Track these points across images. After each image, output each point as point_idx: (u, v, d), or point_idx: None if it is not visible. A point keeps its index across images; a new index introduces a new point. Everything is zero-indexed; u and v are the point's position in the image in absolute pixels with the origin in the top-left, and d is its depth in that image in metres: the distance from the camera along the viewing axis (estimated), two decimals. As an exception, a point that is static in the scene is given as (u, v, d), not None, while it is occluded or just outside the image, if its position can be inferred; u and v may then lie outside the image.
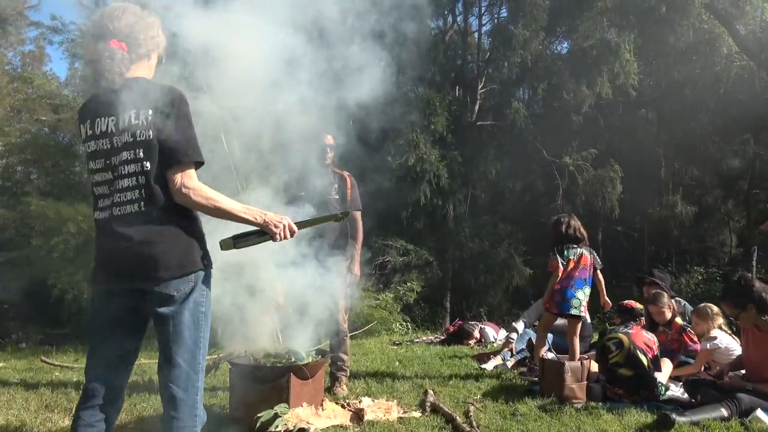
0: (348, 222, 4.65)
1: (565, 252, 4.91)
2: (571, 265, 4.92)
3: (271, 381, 3.59)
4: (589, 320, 6.45)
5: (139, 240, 2.25)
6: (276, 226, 2.36)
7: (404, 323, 9.87)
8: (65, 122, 10.48)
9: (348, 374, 4.77)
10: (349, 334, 4.77)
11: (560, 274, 4.86)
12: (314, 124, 3.94)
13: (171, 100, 2.23)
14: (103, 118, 2.23)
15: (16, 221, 7.89)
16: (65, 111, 10.05)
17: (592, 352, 5.22)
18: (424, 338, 8.54)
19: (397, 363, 6.29)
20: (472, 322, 8.35)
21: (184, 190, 2.23)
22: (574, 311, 4.84)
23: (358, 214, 4.69)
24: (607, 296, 5.26)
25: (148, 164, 2.22)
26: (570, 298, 4.83)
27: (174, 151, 2.21)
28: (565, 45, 14.84)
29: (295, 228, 2.42)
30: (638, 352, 4.29)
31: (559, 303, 4.88)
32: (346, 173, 4.75)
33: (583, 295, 4.88)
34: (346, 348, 4.64)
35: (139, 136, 2.21)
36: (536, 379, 4.92)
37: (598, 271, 5.14)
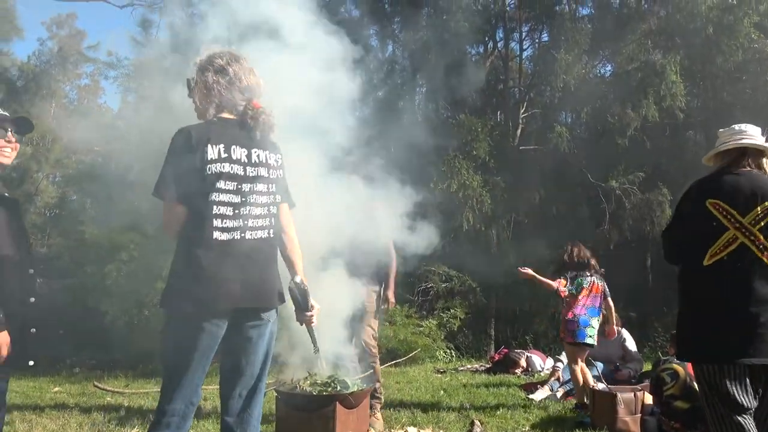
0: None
1: (578, 279, 4.91)
2: (584, 293, 4.88)
3: (316, 409, 3.60)
4: (634, 348, 6.26)
5: (264, 265, 2.49)
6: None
7: (448, 351, 9.74)
8: (118, 152, 10.88)
9: (382, 402, 4.75)
10: (378, 361, 4.74)
11: (563, 296, 4.88)
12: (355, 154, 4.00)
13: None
14: (237, 147, 2.47)
15: (71, 249, 8.19)
16: (120, 142, 10.44)
17: (645, 383, 5.05)
18: (469, 366, 8.42)
19: (442, 392, 6.21)
20: (518, 351, 8.20)
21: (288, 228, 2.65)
22: (589, 340, 4.82)
23: (391, 243, 4.72)
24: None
25: (278, 198, 2.58)
26: (585, 327, 4.81)
27: (286, 190, 2.66)
28: (609, 68, 14.67)
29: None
30: (695, 383, 4.12)
31: (574, 332, 4.86)
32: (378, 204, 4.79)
33: (596, 323, 4.87)
34: (378, 375, 4.66)
35: (272, 174, 2.57)
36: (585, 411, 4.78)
37: (609, 299, 5.10)
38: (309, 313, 2.67)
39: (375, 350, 4.68)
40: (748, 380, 2.49)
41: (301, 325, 2.75)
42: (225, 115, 2.54)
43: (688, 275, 2.69)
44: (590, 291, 4.93)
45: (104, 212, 8.82)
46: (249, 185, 2.46)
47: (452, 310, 10.31)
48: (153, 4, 13.32)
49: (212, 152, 2.39)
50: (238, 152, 2.46)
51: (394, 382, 6.72)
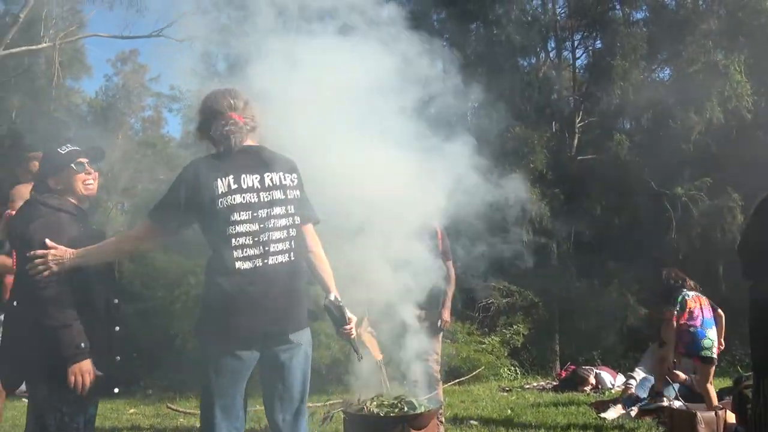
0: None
1: (679, 297, 4.71)
2: (692, 304, 4.66)
3: (386, 431, 3.58)
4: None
5: (288, 288, 2.49)
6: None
7: (512, 368, 9.55)
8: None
9: (443, 423, 4.74)
10: (441, 381, 4.77)
11: (675, 322, 4.66)
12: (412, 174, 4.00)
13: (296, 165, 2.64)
14: (247, 175, 2.47)
15: (142, 275, 8.53)
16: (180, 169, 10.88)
17: (726, 400, 4.80)
18: (535, 384, 8.22)
19: (509, 411, 6.09)
20: (587, 367, 7.95)
21: (313, 247, 2.67)
22: (706, 353, 4.55)
23: (450, 264, 4.78)
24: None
25: (297, 219, 2.55)
26: (701, 338, 4.55)
27: (308, 208, 2.65)
28: (667, 71, 14.22)
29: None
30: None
31: (688, 344, 4.61)
32: (435, 224, 4.82)
33: (714, 334, 4.59)
34: (440, 396, 4.64)
35: (289, 195, 2.54)
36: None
37: (719, 310, 4.85)
38: (347, 327, 2.68)
39: (438, 373, 4.72)
40: None
41: (342, 339, 2.78)
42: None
43: (758, 287, 2.55)
44: (697, 304, 4.75)
45: (173, 239, 9.17)
46: (265, 210, 2.46)
47: (515, 326, 10.12)
48: (210, 37, 13.84)
49: (222, 186, 2.41)
50: (250, 180, 2.47)
51: (459, 401, 6.63)
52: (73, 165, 2.61)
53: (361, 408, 3.83)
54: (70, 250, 2.46)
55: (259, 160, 2.53)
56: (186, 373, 8.12)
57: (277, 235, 2.47)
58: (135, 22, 24.88)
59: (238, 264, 2.40)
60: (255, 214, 2.44)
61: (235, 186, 2.43)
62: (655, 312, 5.08)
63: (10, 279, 3.46)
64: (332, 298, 2.62)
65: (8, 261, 3.49)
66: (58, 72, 17.75)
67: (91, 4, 18.05)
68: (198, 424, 5.45)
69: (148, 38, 17.33)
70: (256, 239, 2.43)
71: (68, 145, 2.67)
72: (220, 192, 2.41)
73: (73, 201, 2.63)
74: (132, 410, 6.61)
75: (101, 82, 24.87)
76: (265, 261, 2.43)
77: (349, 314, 2.68)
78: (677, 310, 4.69)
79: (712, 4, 12.94)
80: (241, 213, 2.42)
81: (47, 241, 2.44)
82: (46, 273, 2.40)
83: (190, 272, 7.39)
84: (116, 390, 2.63)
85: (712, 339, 4.61)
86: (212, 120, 2.54)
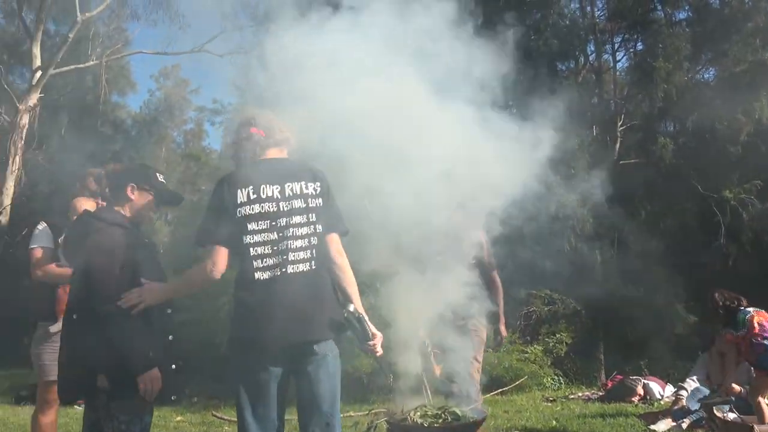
0: (486, 283, 4.68)
1: (740, 317, 4.57)
2: (758, 319, 4.51)
3: (431, 442, 3.55)
4: None
5: (310, 298, 2.45)
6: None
7: (556, 378, 9.37)
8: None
9: None
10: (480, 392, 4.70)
11: (739, 343, 4.53)
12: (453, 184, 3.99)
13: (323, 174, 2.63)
14: (267, 185, 2.49)
15: (187, 285, 8.72)
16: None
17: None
18: (580, 394, 8.05)
19: (554, 422, 5.98)
20: (634, 377, 7.74)
21: (336, 258, 2.58)
22: None
23: (495, 274, 4.70)
24: None
25: (319, 228, 2.52)
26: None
27: (335, 217, 2.60)
28: (713, 72, 13.82)
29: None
30: None
31: (761, 356, 4.46)
32: (481, 233, 4.77)
33: None
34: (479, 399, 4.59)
35: (311, 203, 2.52)
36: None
37: None
38: (371, 342, 2.58)
39: (478, 384, 4.69)
40: None
41: (366, 353, 2.69)
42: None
43: None
44: (762, 317, 4.60)
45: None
46: (285, 219, 2.46)
47: (558, 335, 9.93)
48: (250, 51, 14.15)
49: (242, 196, 2.46)
50: (269, 189, 2.48)
51: (503, 411, 6.54)
52: (158, 194, 2.78)
53: (404, 418, 3.82)
54: (160, 286, 2.59)
55: (282, 171, 2.55)
56: (230, 382, 8.26)
57: (297, 243, 2.46)
58: (177, 38, 25.49)
59: (257, 275, 2.42)
60: (273, 224, 2.45)
61: (254, 196, 2.47)
62: (716, 334, 4.98)
63: (61, 291, 3.56)
64: (351, 309, 2.54)
65: (68, 272, 3.63)
66: (104, 89, 18.38)
67: (135, 22, 18.67)
68: (243, 432, 5.54)
69: (190, 54, 17.88)
70: (274, 248, 2.44)
71: (163, 177, 2.86)
72: (239, 202, 2.45)
73: (126, 215, 2.73)
74: (179, 418, 6.74)
75: (145, 96, 25.64)
76: (284, 270, 2.43)
77: (373, 329, 2.59)
78: (743, 330, 4.55)
79: (759, 0, 12.53)
80: (259, 222, 2.45)
81: (142, 280, 2.54)
82: (141, 307, 2.49)
83: (233, 281, 7.52)
84: (173, 398, 2.70)
85: None
86: (238, 137, 2.63)
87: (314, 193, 2.54)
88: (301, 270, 2.44)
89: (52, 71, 16.02)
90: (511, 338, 9.34)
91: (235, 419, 6.38)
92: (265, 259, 2.42)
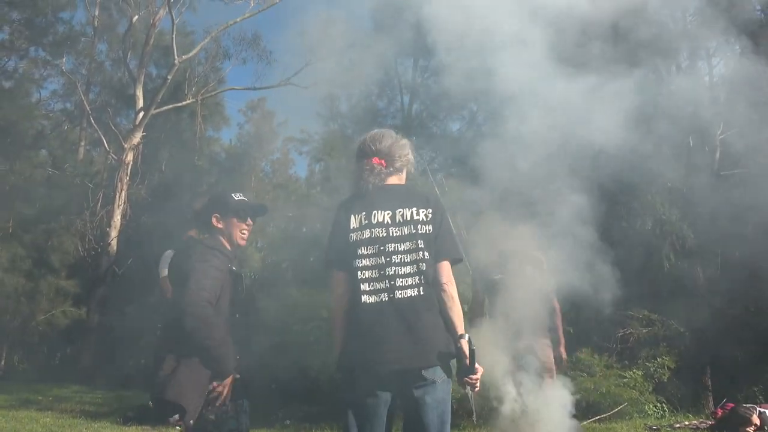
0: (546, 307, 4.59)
1: None
2: None
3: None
4: None
5: (418, 324, 2.45)
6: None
7: (659, 405, 8.80)
8: (309, 217, 11.89)
9: None
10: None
11: None
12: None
13: (437, 201, 2.66)
14: (379, 211, 2.57)
15: (278, 309, 8.98)
16: (311, 208, 11.43)
17: None
18: (687, 423, 7.51)
19: (659, 452, 5.60)
20: (748, 405, 7.14)
21: (445, 285, 2.53)
22: None
23: (553, 294, 4.69)
24: None
25: (426, 254, 2.52)
26: None
27: (447, 244, 2.58)
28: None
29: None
30: None
31: None
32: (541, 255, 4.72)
33: None
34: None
35: (420, 230, 2.54)
36: None
37: None
38: (474, 377, 2.52)
39: (550, 370, 4.56)
40: None
41: (463, 388, 2.59)
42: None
43: None
44: None
45: (304, 273, 9.60)
46: (393, 245, 2.51)
47: (659, 359, 9.34)
48: (333, 81, 14.60)
49: (354, 221, 2.55)
50: (381, 215, 2.55)
51: (602, 440, 6.21)
52: (240, 212, 2.87)
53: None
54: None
55: (395, 197, 2.60)
56: (321, 405, 8.36)
57: (405, 270, 2.49)
58: (264, 73, 26.79)
59: (364, 298, 2.47)
60: (382, 248, 2.51)
61: (366, 222, 2.55)
62: None
63: None
64: (467, 339, 2.50)
65: None
66: (200, 125, 19.55)
67: (227, 61, 19.79)
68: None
69: (277, 87, 18.72)
70: (381, 272, 2.49)
71: (240, 195, 2.94)
72: (352, 227, 2.55)
73: (225, 243, 2.85)
74: (272, 440, 6.89)
75: (235, 130, 26.96)
76: (391, 296, 2.46)
77: (478, 363, 2.54)
78: None
79: None
80: (369, 247, 2.51)
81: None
82: None
83: (324, 306, 7.66)
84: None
85: None
86: (359, 164, 2.70)
87: (425, 219, 2.57)
88: (409, 295, 2.47)
89: (153, 111, 17.27)
90: (607, 362, 8.89)
91: (325, 441, 6.41)
92: (372, 283, 2.48)
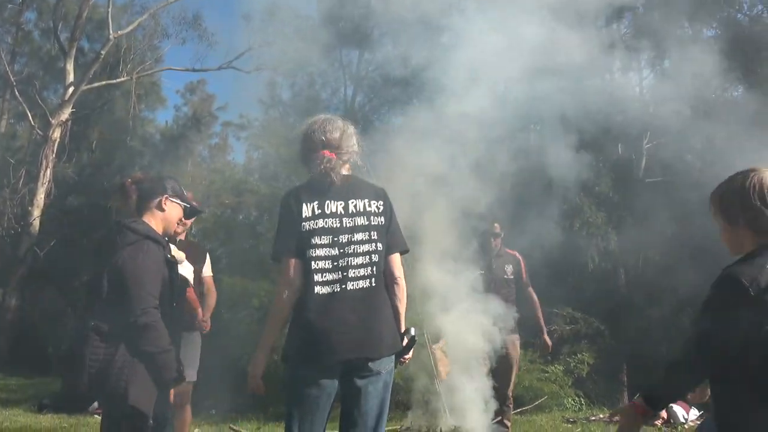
0: (524, 299, 4.96)
1: None
2: None
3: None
4: None
5: (368, 315, 2.46)
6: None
7: (577, 398, 9.19)
8: (245, 204, 11.67)
9: None
10: (512, 403, 5.10)
11: None
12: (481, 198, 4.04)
13: (385, 194, 2.65)
14: (331, 201, 2.52)
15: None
16: (247, 195, 11.21)
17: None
18: (602, 416, 7.86)
19: (575, 443, 5.86)
20: (658, 400, 7.54)
21: (399, 278, 2.59)
22: None
23: (531, 290, 5.09)
24: None
25: (380, 245, 2.53)
26: None
27: (398, 237, 2.61)
28: (740, 90, 13.60)
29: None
30: None
31: None
32: (517, 253, 5.03)
33: None
34: (509, 416, 4.96)
35: (373, 221, 2.53)
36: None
37: None
38: (407, 356, 2.64)
39: (511, 402, 4.86)
40: None
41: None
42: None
43: None
44: None
45: (237, 261, 9.43)
46: (347, 236, 2.49)
47: (579, 355, 9.75)
48: (277, 68, 14.37)
49: (306, 210, 2.49)
50: (334, 205, 2.52)
51: (522, 431, 6.43)
52: (188, 205, 2.83)
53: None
54: (261, 344, 2.55)
55: (347, 188, 2.57)
56: (249, 396, 8.26)
57: (357, 260, 2.48)
58: (205, 55, 26.01)
59: (317, 289, 2.43)
60: (336, 239, 2.48)
61: (319, 211, 2.50)
62: None
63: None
64: (413, 332, 2.61)
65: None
66: (134, 104, 18.80)
67: (166, 39, 19.10)
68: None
69: (218, 70, 18.23)
70: (335, 264, 2.46)
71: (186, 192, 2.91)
72: (304, 216, 2.49)
73: (158, 229, 2.74)
74: (196, 430, 6.75)
75: (172, 112, 26.12)
76: (344, 287, 2.44)
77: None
78: None
79: (789, 18, 12.36)
80: (322, 237, 2.47)
81: None
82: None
83: (254, 294, 7.57)
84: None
85: None
86: (311, 153, 2.62)
87: (377, 211, 2.57)
88: (361, 287, 2.46)
89: (84, 87, 16.46)
90: (531, 357, 9.21)
91: (252, 432, 6.33)
92: (325, 274, 2.44)
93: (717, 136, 11.86)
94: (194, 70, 19.14)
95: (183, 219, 2.89)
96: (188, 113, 25.36)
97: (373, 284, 2.49)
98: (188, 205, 2.88)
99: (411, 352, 2.65)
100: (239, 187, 11.59)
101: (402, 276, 2.60)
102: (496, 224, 4.93)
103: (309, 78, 15.99)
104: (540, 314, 5.07)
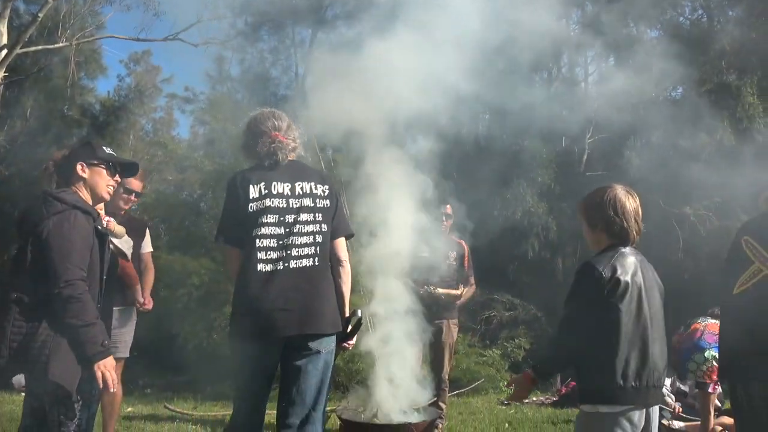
0: (464, 285, 4.99)
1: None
2: (702, 326, 4.68)
3: (380, 439, 3.57)
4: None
5: (310, 294, 2.54)
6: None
7: (513, 382, 9.49)
8: (189, 181, 11.39)
9: (445, 423, 5.09)
10: (448, 386, 5.15)
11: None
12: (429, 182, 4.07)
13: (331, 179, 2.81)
14: (279, 182, 2.61)
15: (146, 274, 8.57)
16: (191, 171, 10.94)
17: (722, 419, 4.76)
18: (535, 399, 8.14)
19: (507, 425, 6.07)
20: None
21: (344, 261, 2.74)
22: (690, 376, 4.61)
23: (473, 280, 5.15)
24: None
25: (324, 227, 2.62)
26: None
27: (343, 221, 2.75)
28: (680, 91, 14.19)
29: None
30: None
31: (683, 356, 4.65)
32: (462, 241, 5.07)
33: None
34: (445, 398, 5.01)
35: (318, 203, 2.63)
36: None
37: None
38: (350, 342, 2.80)
39: (446, 385, 4.91)
40: None
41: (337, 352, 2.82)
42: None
43: (723, 303, 2.95)
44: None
45: (178, 239, 9.21)
46: (293, 216, 2.57)
47: (516, 340, 10.06)
48: (225, 42, 14.01)
49: (254, 191, 2.57)
50: (280, 186, 2.61)
51: (457, 413, 6.59)
52: (109, 163, 2.65)
53: (356, 414, 3.83)
54: None
55: (293, 171, 2.67)
56: (186, 374, 8.13)
57: (302, 240, 2.55)
58: (151, 24, 25.08)
59: (260, 266, 2.50)
60: (282, 219, 2.56)
61: (266, 191, 2.58)
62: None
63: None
64: (359, 314, 2.74)
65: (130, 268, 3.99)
66: (73, 72, 17.94)
67: (108, 5, 18.25)
68: (194, 426, 5.47)
69: (164, 41, 17.57)
70: (280, 242, 2.52)
71: (110, 149, 2.73)
72: (251, 197, 2.56)
73: (87, 198, 2.61)
74: (129, 409, 6.60)
75: (114, 82, 25.08)
76: (287, 264, 2.50)
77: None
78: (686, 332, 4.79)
79: (726, 24, 12.93)
80: (269, 216, 2.55)
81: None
82: None
83: (195, 272, 7.42)
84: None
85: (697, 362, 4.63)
86: (258, 138, 2.70)
87: (322, 194, 2.66)
88: (303, 265, 2.53)
89: (18, 50, 15.58)
90: (470, 341, 9.43)
91: (187, 413, 6.32)
92: (269, 252, 2.51)
93: (654, 134, 12.40)
94: (139, 40, 18.36)
95: (119, 180, 2.72)
96: (131, 84, 24.41)
97: (317, 263, 2.55)
98: (111, 163, 2.66)
99: (355, 338, 2.76)
100: (183, 164, 11.30)
101: (347, 259, 2.70)
102: (447, 206, 4.89)
103: (259, 55, 15.67)
104: (467, 293, 5.07)
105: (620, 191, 2.67)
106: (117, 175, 2.71)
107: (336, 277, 2.67)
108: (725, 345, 2.84)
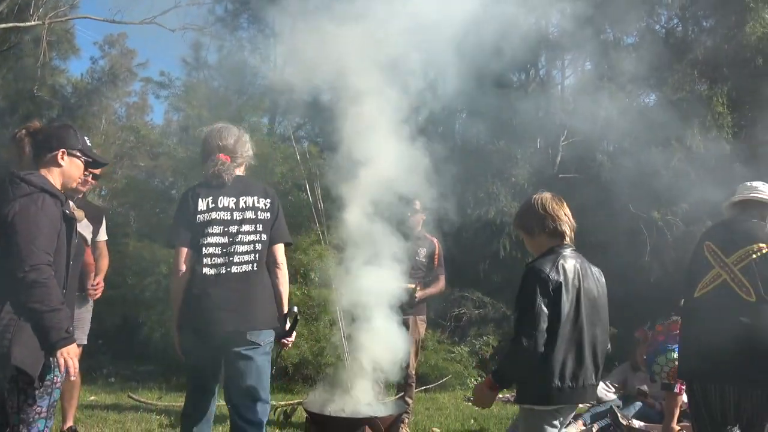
0: (432, 281, 4.97)
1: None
2: (666, 326, 4.78)
3: (345, 432, 3.58)
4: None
5: (249, 294, 2.88)
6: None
7: (480, 378, 9.56)
8: (161, 168, 11.20)
9: (411, 418, 5.13)
10: (415, 381, 5.13)
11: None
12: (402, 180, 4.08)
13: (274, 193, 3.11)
14: (224, 197, 2.97)
15: (114, 261, 8.39)
16: (163, 158, 10.76)
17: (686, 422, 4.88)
18: (501, 396, 8.23)
19: (472, 421, 6.14)
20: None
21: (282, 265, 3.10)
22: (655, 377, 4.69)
23: (443, 278, 5.12)
24: None
25: (264, 236, 2.98)
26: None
27: (282, 230, 3.06)
28: (653, 97, 14.45)
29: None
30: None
31: (650, 354, 4.74)
32: (434, 238, 5.04)
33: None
34: (412, 393, 5.00)
35: (260, 216, 2.99)
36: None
37: None
38: (290, 339, 3.16)
39: (413, 380, 4.93)
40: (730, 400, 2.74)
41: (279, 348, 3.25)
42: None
43: (685, 305, 3.19)
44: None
45: (147, 226, 9.06)
46: (236, 227, 2.93)
47: (485, 337, 10.14)
48: (204, 28, 13.79)
49: (202, 204, 2.94)
50: (226, 201, 2.96)
51: (424, 408, 6.64)
52: (89, 155, 2.70)
53: (323, 407, 3.83)
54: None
55: (239, 187, 3.01)
56: (151, 364, 8.02)
57: (243, 248, 2.91)
58: (127, 7, 24.60)
59: (205, 270, 2.87)
60: (226, 230, 2.92)
61: (213, 205, 2.94)
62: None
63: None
64: (295, 310, 3.09)
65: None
66: (45, 51, 17.47)
67: (84, -15, 17.81)
68: (158, 416, 5.41)
69: (141, 25, 17.20)
70: (224, 250, 2.89)
71: (86, 137, 2.75)
72: (200, 209, 2.92)
73: (56, 183, 2.57)
74: (92, 397, 6.50)
75: (88, 64, 24.52)
76: (229, 269, 2.87)
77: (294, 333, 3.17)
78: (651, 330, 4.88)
79: (701, 34, 13.20)
80: (214, 227, 2.91)
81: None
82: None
83: (163, 261, 7.30)
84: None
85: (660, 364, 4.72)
86: (207, 157, 3.06)
87: (264, 207, 3.00)
88: (243, 270, 2.89)
89: (-13, 27, 15.13)
90: (439, 338, 9.48)
91: (152, 402, 6.25)
92: (214, 258, 2.88)
93: (626, 139, 12.60)
94: (114, 22, 17.93)
95: (88, 172, 2.77)
96: (105, 67, 23.89)
97: (255, 269, 2.92)
98: (90, 159, 2.72)
99: (294, 335, 3.12)
100: (155, 150, 11.10)
101: (284, 263, 3.06)
102: (416, 201, 4.79)
103: (238, 43, 15.46)
104: (433, 290, 5.02)
105: (546, 195, 2.85)
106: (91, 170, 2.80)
107: (274, 278, 3.01)
108: (685, 345, 2.98)
